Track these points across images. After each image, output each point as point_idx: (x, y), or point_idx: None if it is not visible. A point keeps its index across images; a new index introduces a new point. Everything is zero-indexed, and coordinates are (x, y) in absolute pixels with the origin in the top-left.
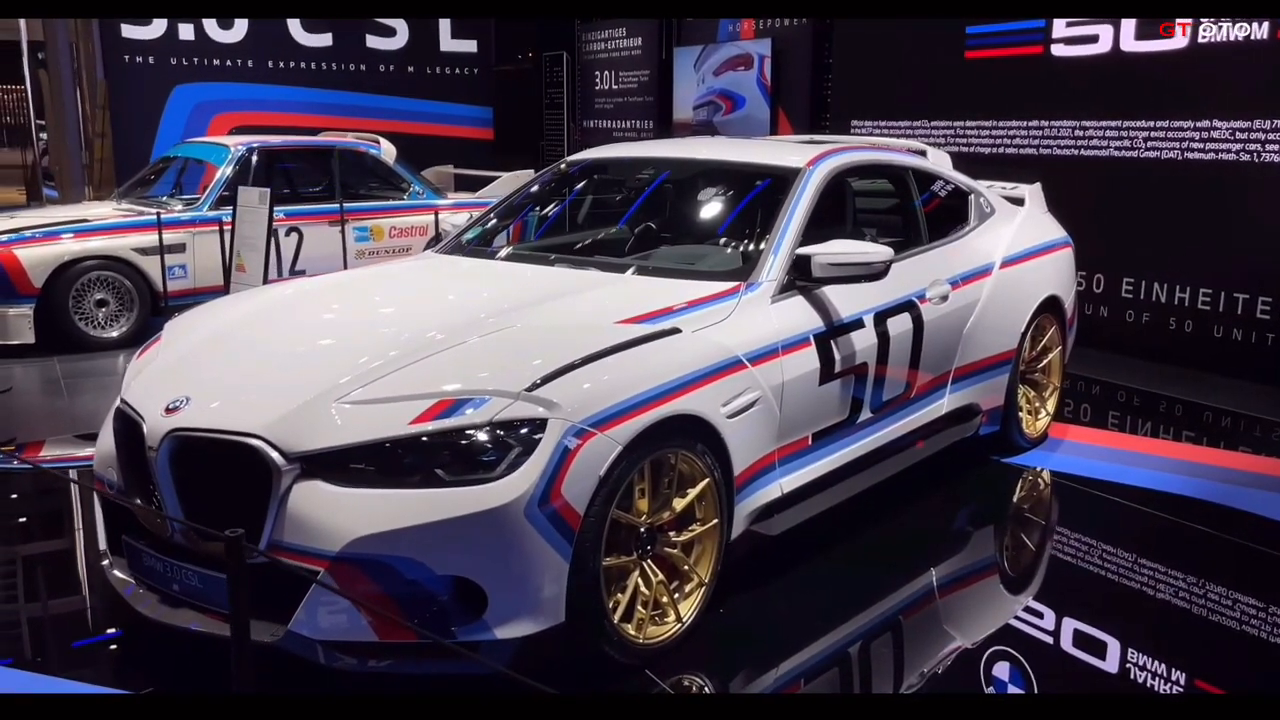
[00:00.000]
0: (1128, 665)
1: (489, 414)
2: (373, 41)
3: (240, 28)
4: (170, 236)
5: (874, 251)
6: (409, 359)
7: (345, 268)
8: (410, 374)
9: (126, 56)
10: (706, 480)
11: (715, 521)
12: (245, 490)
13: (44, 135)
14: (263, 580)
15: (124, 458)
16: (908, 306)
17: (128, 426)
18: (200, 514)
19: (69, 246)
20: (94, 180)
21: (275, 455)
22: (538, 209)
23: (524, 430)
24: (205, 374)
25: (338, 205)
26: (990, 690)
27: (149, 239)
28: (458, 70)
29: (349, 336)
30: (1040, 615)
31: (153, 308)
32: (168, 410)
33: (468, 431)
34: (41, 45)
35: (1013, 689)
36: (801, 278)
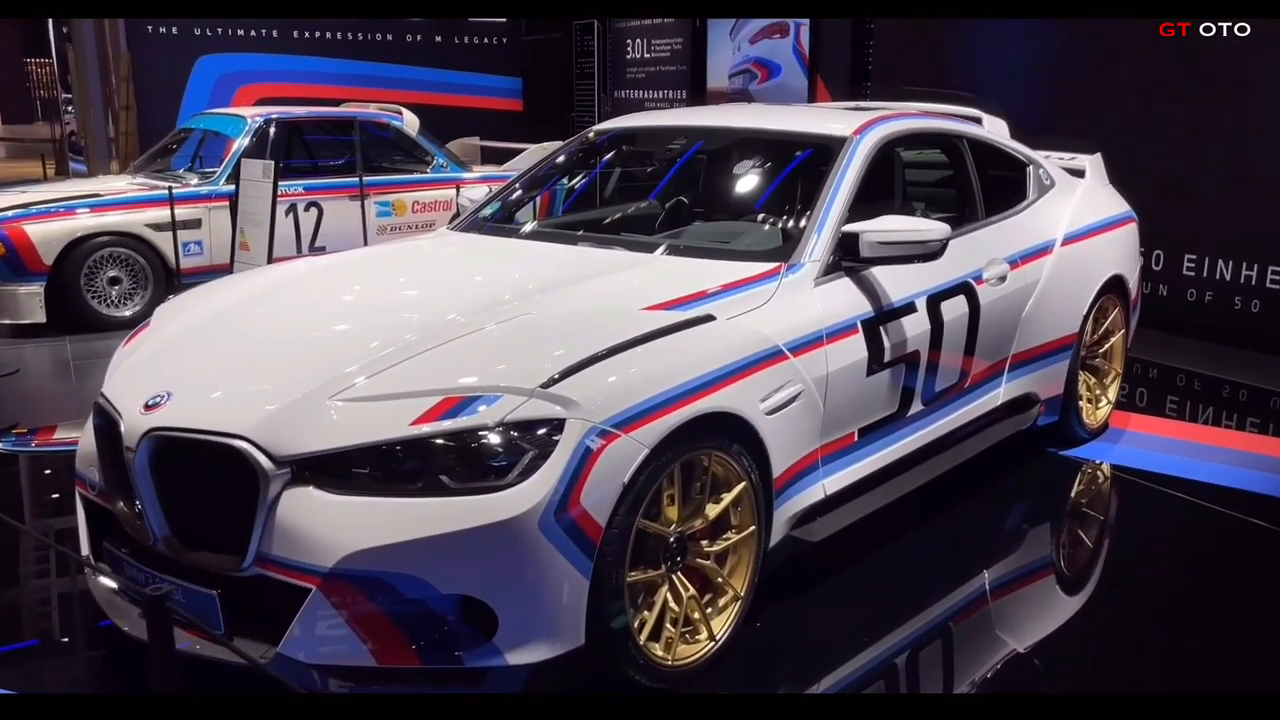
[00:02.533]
0: (1193, 674)
1: (500, 413)
2: None
3: None
4: (185, 212)
5: (929, 229)
6: (422, 346)
7: (366, 244)
8: (417, 365)
9: (150, 27)
10: (743, 484)
11: (752, 529)
12: (231, 496)
13: (71, 108)
14: (251, 595)
15: (105, 457)
16: (963, 288)
17: (107, 424)
18: (184, 521)
19: (81, 222)
20: (120, 153)
21: (262, 458)
22: (561, 182)
23: (539, 431)
24: (192, 366)
25: (358, 179)
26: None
27: (163, 214)
28: (486, 40)
29: (354, 322)
30: (1100, 620)
31: (168, 285)
32: (147, 407)
33: (476, 433)
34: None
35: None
36: (848, 258)
